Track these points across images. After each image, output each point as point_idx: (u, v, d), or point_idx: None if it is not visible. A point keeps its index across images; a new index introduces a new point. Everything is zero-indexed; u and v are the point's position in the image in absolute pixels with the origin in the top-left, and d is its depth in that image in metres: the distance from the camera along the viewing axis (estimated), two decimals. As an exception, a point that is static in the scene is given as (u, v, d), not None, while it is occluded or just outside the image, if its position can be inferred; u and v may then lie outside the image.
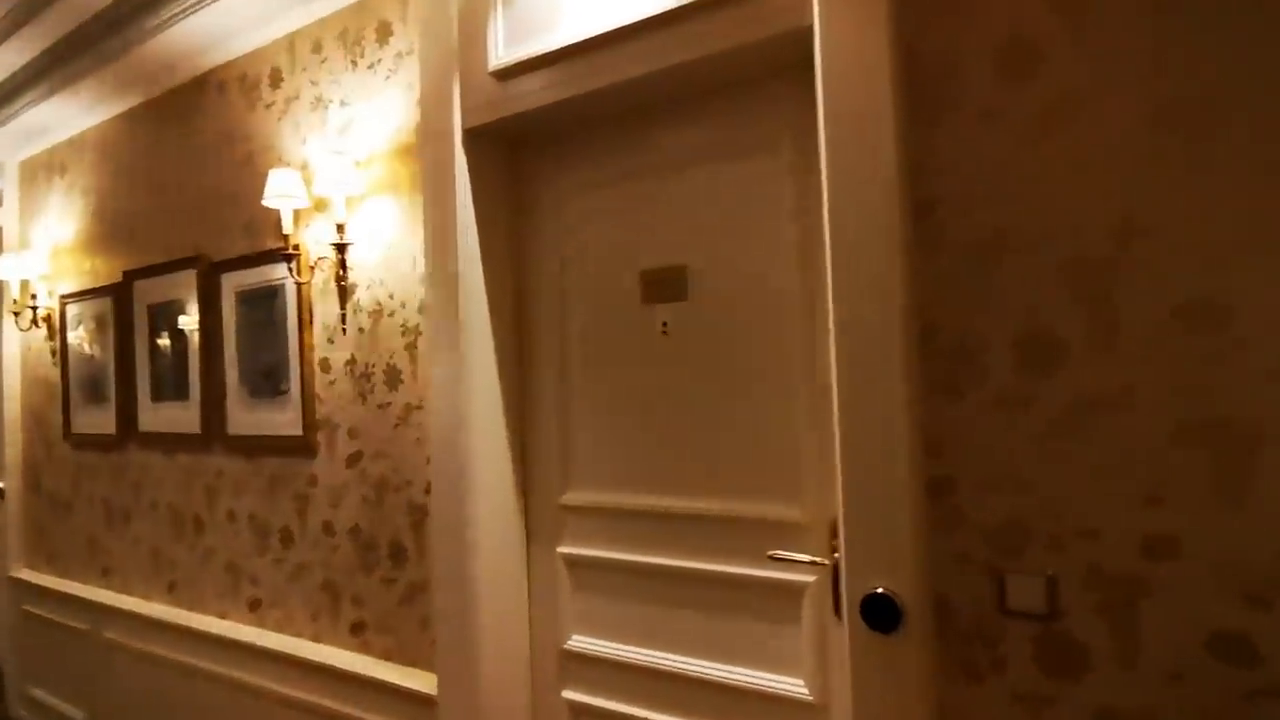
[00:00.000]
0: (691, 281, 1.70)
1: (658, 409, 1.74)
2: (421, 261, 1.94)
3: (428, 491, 1.92)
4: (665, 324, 1.77)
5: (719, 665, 1.62)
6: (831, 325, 1.22)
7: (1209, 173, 1.03)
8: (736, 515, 1.59)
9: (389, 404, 2.02)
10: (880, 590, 1.18)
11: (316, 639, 2.20)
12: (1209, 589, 1.03)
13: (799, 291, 1.50)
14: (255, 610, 2.38)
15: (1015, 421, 1.15)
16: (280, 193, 2.06)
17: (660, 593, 1.72)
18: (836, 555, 1.35)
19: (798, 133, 1.50)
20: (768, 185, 1.56)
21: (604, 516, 1.81)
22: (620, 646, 1.76)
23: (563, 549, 1.85)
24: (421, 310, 1.95)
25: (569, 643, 1.82)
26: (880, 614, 1.17)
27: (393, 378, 2.01)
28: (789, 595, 1.51)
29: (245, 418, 2.39)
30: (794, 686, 1.51)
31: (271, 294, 2.29)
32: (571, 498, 1.85)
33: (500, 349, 1.83)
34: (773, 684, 1.54)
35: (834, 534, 1.43)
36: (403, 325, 1.99)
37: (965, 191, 1.18)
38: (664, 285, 1.77)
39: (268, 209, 2.26)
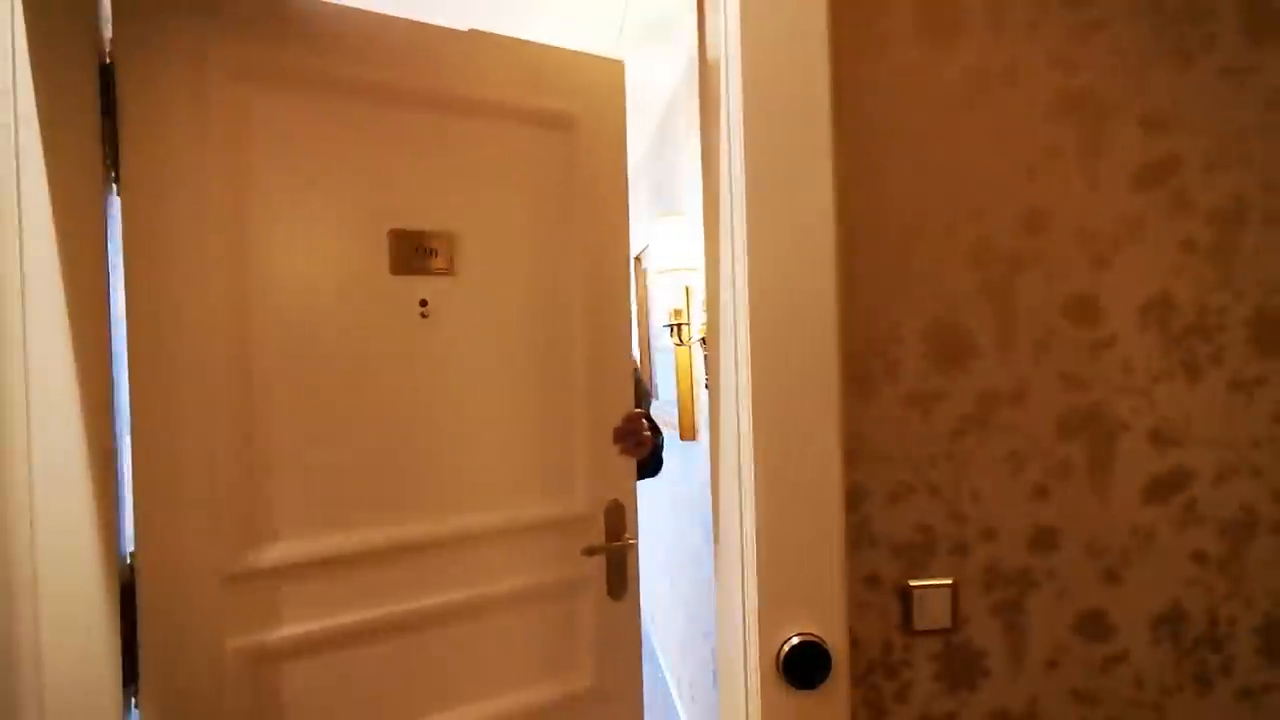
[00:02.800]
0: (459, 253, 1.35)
1: (414, 416, 1.25)
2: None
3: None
4: (425, 303, 1.30)
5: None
6: (746, 311, 0.93)
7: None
8: (523, 523, 1.50)
9: None
10: (803, 637, 0.95)
11: None
12: (1079, 574, 1.07)
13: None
14: None
15: (927, 419, 1.04)
16: None
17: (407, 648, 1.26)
18: (629, 538, 1.61)
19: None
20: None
21: (328, 569, 1.28)
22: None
23: (242, 640, 1.19)
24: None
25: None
26: (804, 667, 0.95)
27: None
28: (580, 589, 1.56)
29: None
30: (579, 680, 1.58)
31: None
32: (267, 556, 1.21)
33: (86, 347, 1.06)
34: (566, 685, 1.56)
35: (611, 520, 1.61)
36: None
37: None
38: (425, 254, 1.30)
39: None
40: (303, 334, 1.27)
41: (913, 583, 1.04)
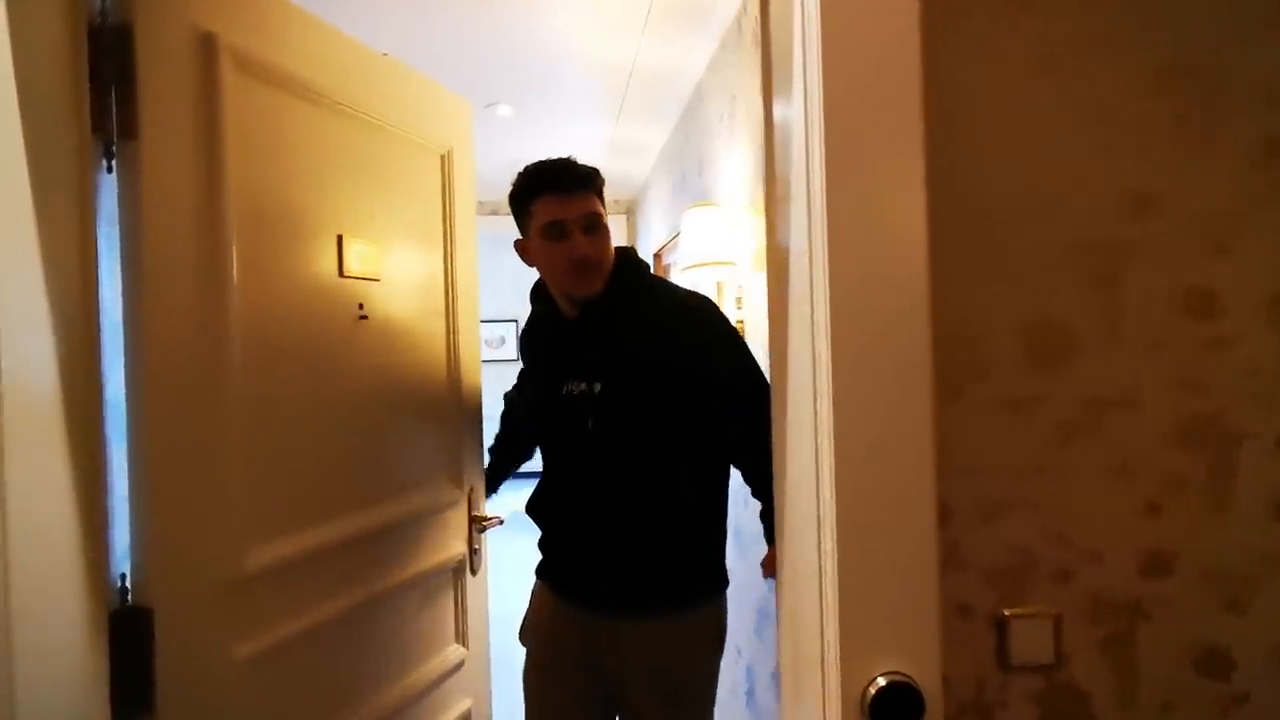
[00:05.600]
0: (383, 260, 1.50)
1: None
2: None
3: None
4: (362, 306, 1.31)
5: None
6: (827, 306, 0.81)
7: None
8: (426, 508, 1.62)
9: None
10: (891, 678, 0.82)
11: None
12: (1197, 603, 0.94)
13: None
14: None
15: (1023, 426, 0.91)
16: None
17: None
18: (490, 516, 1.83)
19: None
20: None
21: (304, 567, 1.28)
22: None
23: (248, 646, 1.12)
24: None
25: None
26: (893, 711, 0.82)
27: None
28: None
29: None
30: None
31: None
32: (256, 559, 1.14)
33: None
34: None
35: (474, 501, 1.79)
36: None
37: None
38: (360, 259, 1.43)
39: None
40: (278, 330, 1.25)
41: (1009, 612, 0.91)
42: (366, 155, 1.43)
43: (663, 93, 3.24)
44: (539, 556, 1.71)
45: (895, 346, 0.82)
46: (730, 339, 1.62)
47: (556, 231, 1.51)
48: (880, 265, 0.82)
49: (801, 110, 0.83)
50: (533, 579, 1.73)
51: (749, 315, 2.24)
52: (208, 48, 1.07)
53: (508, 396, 1.95)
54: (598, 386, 1.55)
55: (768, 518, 1.57)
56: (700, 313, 1.61)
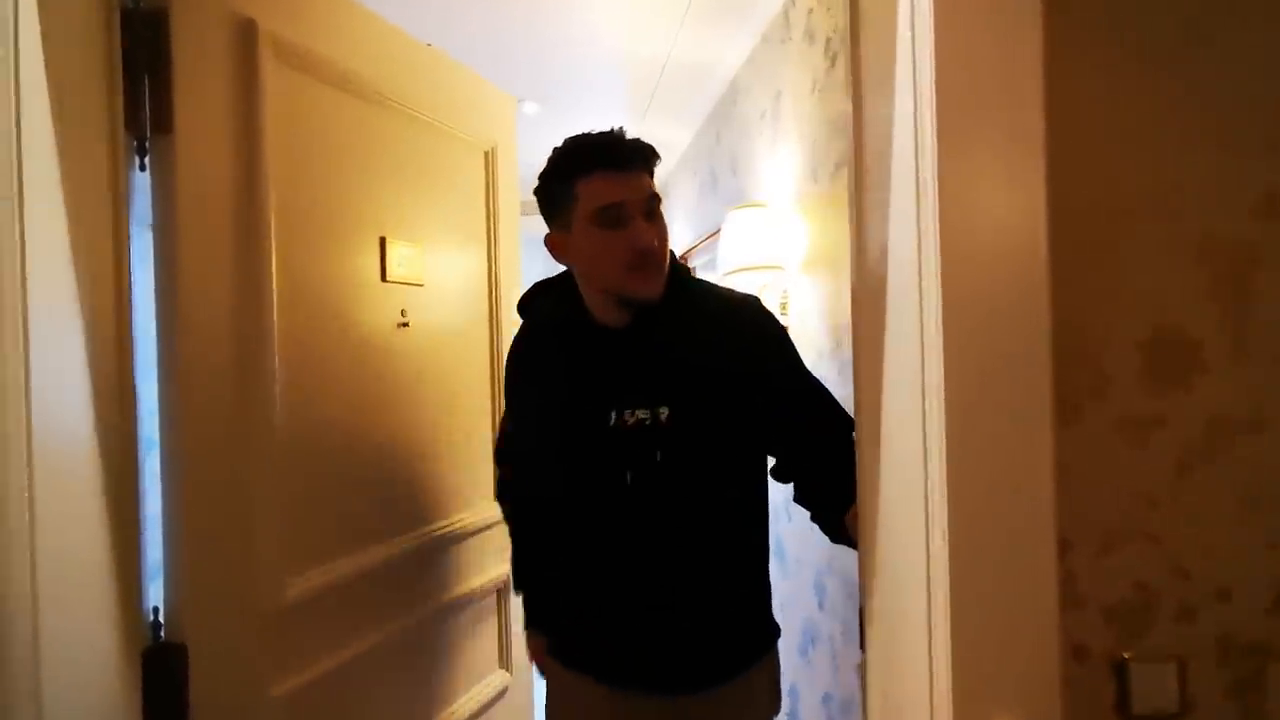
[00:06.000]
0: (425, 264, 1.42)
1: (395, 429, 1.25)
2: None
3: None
4: (404, 313, 1.21)
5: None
6: (938, 316, 0.73)
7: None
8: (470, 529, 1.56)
9: None
10: (1007, 730, 0.74)
11: None
12: (1333, 643, 0.85)
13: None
14: None
15: (1143, 450, 0.83)
16: None
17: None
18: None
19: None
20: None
21: (341, 596, 1.20)
22: None
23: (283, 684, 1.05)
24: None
25: None
26: (1010, 770, 0.74)
27: None
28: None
29: None
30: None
31: None
32: (293, 591, 1.08)
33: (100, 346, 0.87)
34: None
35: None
36: None
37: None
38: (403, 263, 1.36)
39: None
40: (317, 341, 1.17)
41: (1128, 654, 0.83)
42: (410, 151, 1.35)
43: (693, 89, 3.16)
44: (557, 637, 1.40)
45: (1015, 363, 0.74)
46: (782, 337, 1.43)
47: (612, 218, 1.23)
48: (998, 272, 0.74)
49: (910, 107, 0.75)
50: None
51: (795, 320, 2.16)
52: (246, 34, 1.00)
53: (503, 457, 1.51)
54: (665, 412, 1.26)
55: (829, 517, 1.34)
56: (750, 310, 1.41)
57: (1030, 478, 0.74)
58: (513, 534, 1.49)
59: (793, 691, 2.34)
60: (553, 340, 1.36)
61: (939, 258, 0.73)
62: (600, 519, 1.31)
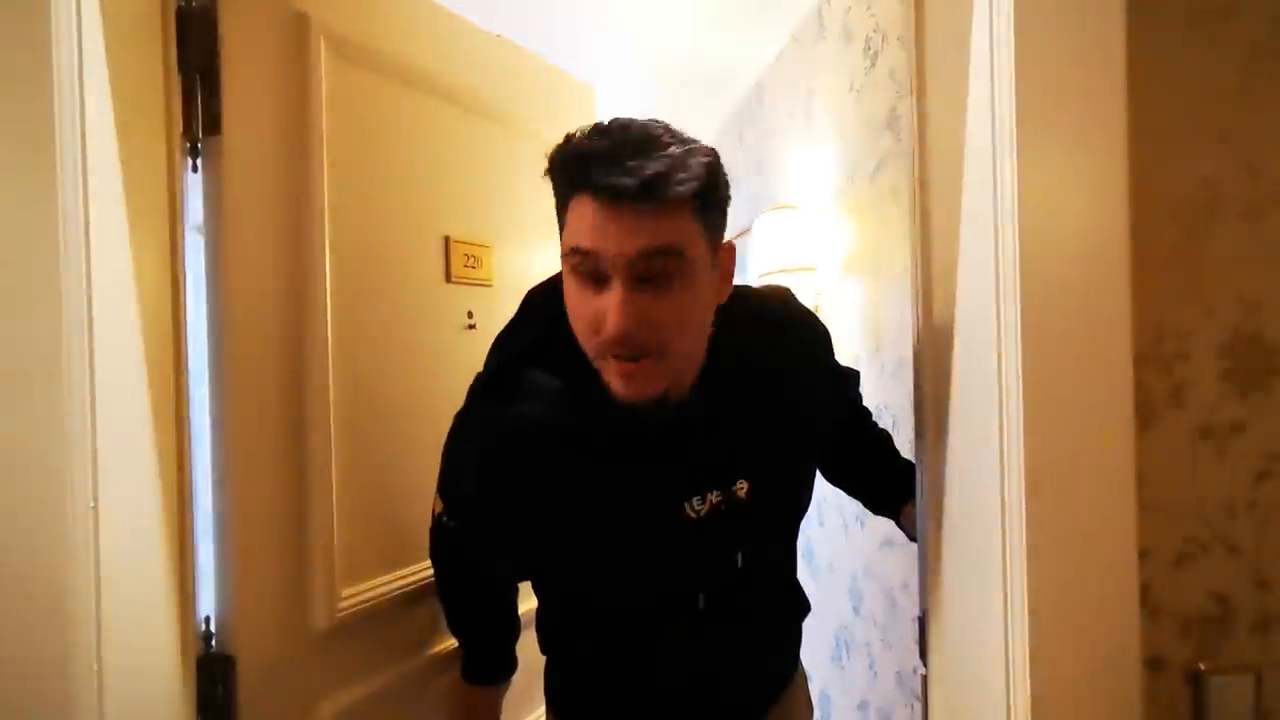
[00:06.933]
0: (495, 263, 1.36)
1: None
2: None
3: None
4: (471, 315, 1.18)
5: None
6: (1018, 320, 0.71)
7: None
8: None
9: None
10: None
11: None
12: None
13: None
14: None
15: (1223, 458, 0.80)
16: None
17: None
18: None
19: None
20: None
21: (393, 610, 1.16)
22: None
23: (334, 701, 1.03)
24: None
25: None
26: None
27: None
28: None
29: None
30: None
31: None
32: (348, 603, 1.06)
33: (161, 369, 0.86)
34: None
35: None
36: None
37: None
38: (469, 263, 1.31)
39: None
40: (376, 344, 1.13)
41: (1205, 666, 0.81)
42: (477, 146, 1.30)
43: (716, 90, 3.14)
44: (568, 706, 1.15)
45: (1096, 366, 0.72)
46: (828, 345, 1.20)
47: (586, 269, 0.85)
48: (1078, 272, 0.72)
49: (987, 103, 0.73)
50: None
51: (828, 323, 2.13)
52: (300, 29, 0.98)
53: (451, 569, 1.14)
54: (744, 486, 0.97)
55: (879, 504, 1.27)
56: (809, 331, 1.16)
57: (1111, 484, 0.73)
58: (447, 584, 1.16)
59: (824, 697, 2.32)
60: (572, 433, 0.93)
61: (1018, 257, 0.71)
62: (651, 648, 1.03)
